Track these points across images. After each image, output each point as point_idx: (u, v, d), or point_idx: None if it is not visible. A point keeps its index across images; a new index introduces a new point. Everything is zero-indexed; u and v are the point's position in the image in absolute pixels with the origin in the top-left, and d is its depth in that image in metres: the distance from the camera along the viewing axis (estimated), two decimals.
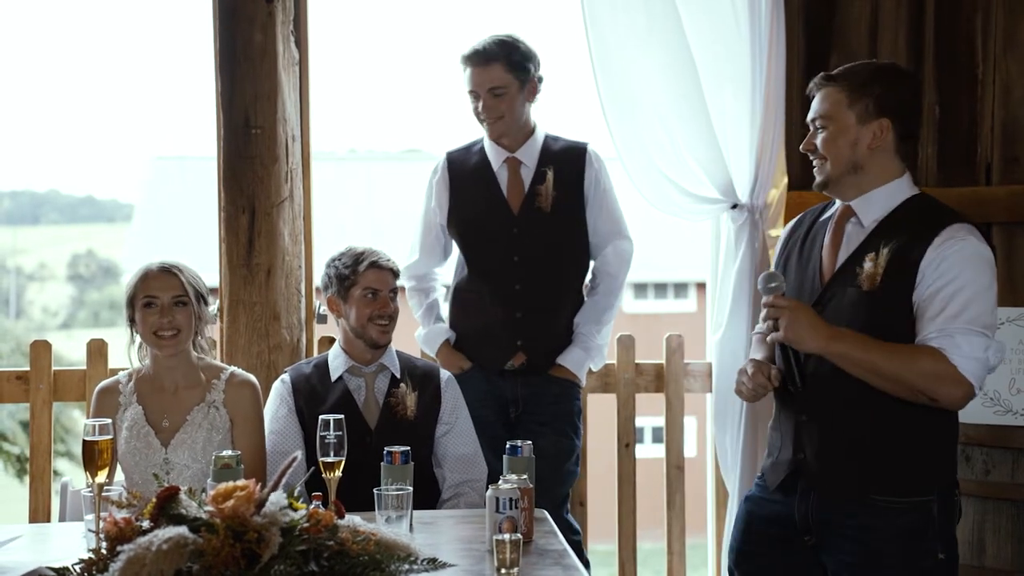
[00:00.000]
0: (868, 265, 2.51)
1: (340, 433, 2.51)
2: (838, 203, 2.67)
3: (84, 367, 3.66)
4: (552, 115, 3.64)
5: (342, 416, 2.54)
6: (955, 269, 2.45)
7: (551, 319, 3.48)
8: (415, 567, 2.21)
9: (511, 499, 2.36)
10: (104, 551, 2.07)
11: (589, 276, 3.58)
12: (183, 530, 2.01)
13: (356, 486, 2.65)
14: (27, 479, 3.73)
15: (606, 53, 3.53)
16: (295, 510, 2.08)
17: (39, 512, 3.63)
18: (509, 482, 2.45)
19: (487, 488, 2.43)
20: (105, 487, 2.40)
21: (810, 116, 2.64)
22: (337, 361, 3.16)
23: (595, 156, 3.51)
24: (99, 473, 2.42)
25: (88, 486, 2.43)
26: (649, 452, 6.95)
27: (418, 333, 3.60)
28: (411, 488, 2.50)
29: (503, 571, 2.15)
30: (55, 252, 40.34)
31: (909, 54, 3.56)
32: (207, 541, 1.99)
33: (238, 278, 3.51)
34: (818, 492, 2.58)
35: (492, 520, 2.37)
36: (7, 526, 2.72)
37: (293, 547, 2.03)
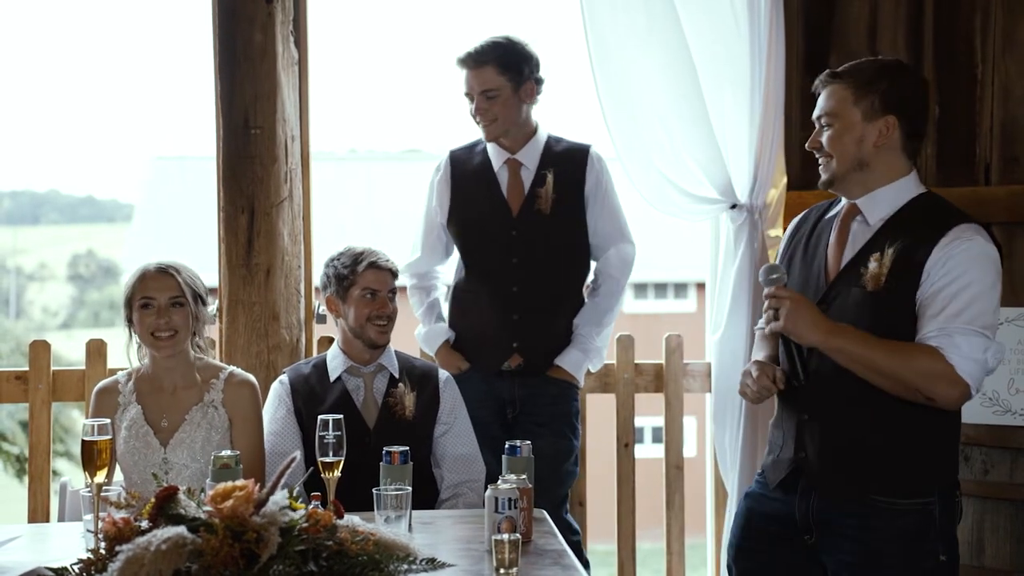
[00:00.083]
0: (873, 265, 2.50)
1: (339, 433, 2.50)
2: (844, 201, 2.65)
3: (83, 367, 3.66)
4: (551, 116, 3.64)
5: (341, 416, 2.53)
6: (960, 268, 2.43)
7: (549, 321, 3.48)
8: (414, 567, 2.21)
9: (510, 499, 2.36)
10: (103, 551, 2.07)
11: (591, 277, 3.57)
12: (182, 530, 2.01)
13: (355, 486, 2.65)
14: (26, 479, 3.73)
15: (605, 53, 3.53)
16: (294, 510, 2.08)
17: (38, 512, 3.63)
18: (508, 482, 2.45)
19: (486, 488, 2.43)
20: (104, 487, 2.40)
21: (815, 113, 2.62)
22: (336, 361, 3.16)
23: (597, 158, 3.51)
24: (98, 473, 2.41)
25: (87, 486, 2.43)
26: (648, 452, 6.96)
27: (418, 332, 3.60)
28: (410, 488, 2.50)
29: (502, 571, 2.15)
30: (55, 252, 40.35)
31: (908, 54, 3.56)
32: (206, 541, 1.99)
33: (237, 278, 3.51)
34: (819, 491, 2.57)
35: (491, 520, 2.37)
36: (6, 526, 2.72)
37: (292, 547, 2.03)
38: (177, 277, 2.99)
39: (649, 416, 4.42)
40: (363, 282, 3.12)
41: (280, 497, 2.07)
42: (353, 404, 3.10)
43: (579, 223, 3.48)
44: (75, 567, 2.09)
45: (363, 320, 3.11)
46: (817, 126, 2.62)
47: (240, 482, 2.07)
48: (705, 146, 3.56)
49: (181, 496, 2.11)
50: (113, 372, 3.33)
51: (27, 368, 3.64)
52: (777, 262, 2.78)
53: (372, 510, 2.45)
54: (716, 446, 3.68)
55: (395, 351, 3.21)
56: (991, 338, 2.44)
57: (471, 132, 3.57)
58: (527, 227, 3.44)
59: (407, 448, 2.62)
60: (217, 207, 3.56)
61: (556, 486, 3.44)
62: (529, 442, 2.68)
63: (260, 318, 3.51)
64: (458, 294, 3.57)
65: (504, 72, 3.39)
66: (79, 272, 40.09)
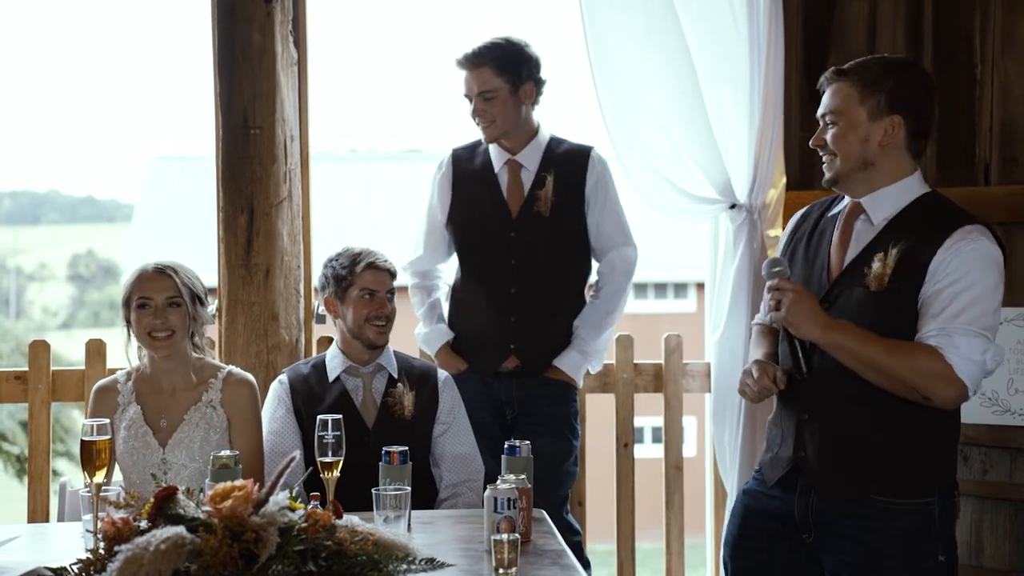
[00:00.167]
0: (877, 265, 2.50)
1: (338, 433, 2.50)
2: (846, 198, 2.64)
3: (83, 367, 3.66)
4: (551, 116, 3.63)
5: (340, 416, 2.53)
6: (963, 268, 2.43)
7: (546, 323, 3.47)
8: (413, 567, 2.21)
9: (509, 499, 2.36)
10: (102, 551, 2.07)
11: (593, 278, 3.57)
12: (181, 530, 2.01)
13: (354, 486, 2.65)
14: (26, 479, 3.73)
15: (605, 54, 3.53)
16: (293, 510, 2.08)
17: (38, 512, 3.63)
18: (507, 482, 2.45)
19: (485, 487, 2.43)
20: (103, 487, 2.40)
21: (820, 111, 2.60)
22: (335, 361, 3.16)
23: (599, 159, 3.50)
24: (97, 473, 2.41)
25: (86, 486, 2.43)
26: (648, 452, 6.95)
27: (418, 332, 3.59)
28: (409, 488, 2.50)
29: (501, 571, 2.15)
30: (55, 252, 40.36)
31: (907, 54, 3.56)
32: (205, 541, 1.99)
33: (237, 278, 3.51)
34: (818, 491, 2.57)
35: (490, 520, 2.37)
36: (6, 526, 2.72)
37: (291, 547, 2.03)
38: (174, 277, 2.99)
39: (648, 416, 4.42)
40: (361, 282, 3.12)
41: (279, 497, 2.07)
42: (352, 404, 3.10)
43: (579, 225, 3.47)
44: (74, 567, 2.09)
45: (361, 320, 3.11)
46: (821, 123, 2.60)
47: (239, 482, 2.07)
48: (704, 146, 3.56)
49: (180, 496, 2.11)
50: (112, 372, 3.33)
51: (27, 368, 3.65)
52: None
53: (371, 510, 2.45)
54: (715, 446, 3.68)
55: (394, 351, 3.21)
56: (991, 340, 2.44)
57: (471, 132, 3.57)
58: (526, 229, 3.44)
59: (406, 448, 2.62)
60: (216, 207, 3.56)
61: (556, 487, 3.44)
62: (528, 442, 2.68)
63: (259, 318, 3.51)
64: (457, 294, 3.56)
65: (501, 73, 3.38)
66: (79, 272, 40.10)
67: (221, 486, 2.06)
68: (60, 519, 3.04)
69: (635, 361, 3.79)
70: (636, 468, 3.80)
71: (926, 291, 2.46)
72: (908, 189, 2.56)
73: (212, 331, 3.28)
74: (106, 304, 35.57)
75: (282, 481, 2.12)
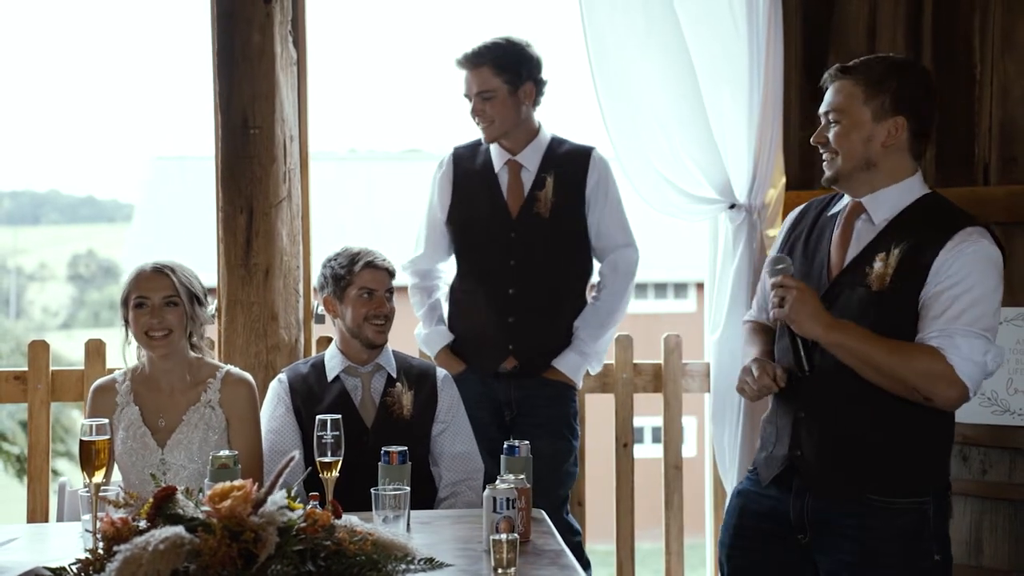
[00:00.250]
0: (878, 265, 2.49)
1: (337, 433, 2.50)
2: (846, 198, 2.64)
3: (83, 367, 3.66)
4: (551, 116, 3.63)
5: (339, 416, 2.53)
6: (964, 270, 2.43)
7: (545, 324, 3.46)
8: (412, 567, 2.21)
9: (508, 499, 2.36)
10: (101, 551, 2.07)
11: (595, 278, 3.56)
12: (180, 530, 2.01)
13: (353, 486, 2.65)
14: (26, 479, 3.73)
15: (604, 54, 3.53)
16: (292, 510, 2.08)
17: (37, 512, 3.63)
18: (506, 482, 2.45)
19: (484, 486, 2.42)
20: (102, 487, 2.40)
21: (822, 108, 2.59)
22: (334, 361, 3.16)
23: (600, 160, 3.49)
24: (96, 473, 2.41)
25: (85, 486, 2.43)
26: (647, 452, 6.95)
27: (418, 332, 3.59)
28: (408, 488, 2.50)
29: (500, 571, 2.15)
30: (55, 252, 40.37)
31: (907, 54, 3.56)
32: (204, 541, 1.99)
33: (236, 278, 3.51)
34: (815, 491, 2.57)
35: (489, 520, 2.37)
36: (5, 526, 2.72)
37: (290, 547, 2.03)
38: (172, 277, 2.99)
39: (648, 416, 4.41)
40: (360, 282, 3.12)
41: (278, 497, 2.07)
42: (351, 404, 3.10)
43: (579, 226, 3.47)
44: (73, 567, 2.09)
45: (360, 320, 3.11)
46: (824, 121, 2.59)
47: (238, 482, 2.07)
48: (704, 146, 3.56)
49: (179, 496, 2.11)
50: (111, 372, 3.33)
51: (27, 368, 3.64)
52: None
53: (370, 510, 2.45)
54: (715, 446, 3.68)
55: (392, 351, 3.21)
56: (992, 341, 2.44)
57: (471, 132, 3.57)
58: (526, 229, 3.44)
59: (405, 448, 2.62)
60: (216, 207, 3.56)
61: (556, 487, 3.44)
62: (527, 442, 2.68)
63: (259, 318, 3.51)
64: (455, 294, 3.56)
65: (500, 73, 3.38)
66: (79, 272, 40.11)
67: (220, 486, 2.06)
68: (59, 519, 3.04)
69: (635, 361, 3.79)
70: (636, 468, 3.80)
71: (927, 292, 2.46)
72: (909, 190, 2.56)
73: (211, 331, 3.28)
74: (106, 304, 35.58)
75: (281, 481, 2.12)
